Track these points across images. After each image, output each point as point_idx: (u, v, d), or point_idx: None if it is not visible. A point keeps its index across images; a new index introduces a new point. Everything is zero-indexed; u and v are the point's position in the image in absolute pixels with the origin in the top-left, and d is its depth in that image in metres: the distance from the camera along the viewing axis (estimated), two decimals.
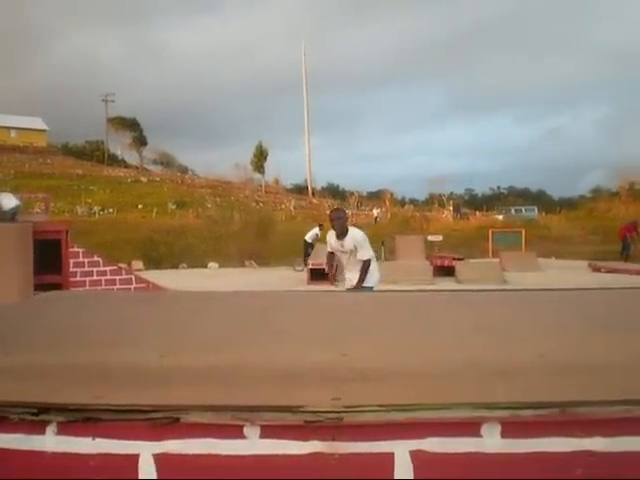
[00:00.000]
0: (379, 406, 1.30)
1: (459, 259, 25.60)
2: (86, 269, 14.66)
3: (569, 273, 24.80)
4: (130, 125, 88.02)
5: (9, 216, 18.20)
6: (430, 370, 1.50)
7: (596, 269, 27.76)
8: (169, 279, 18.50)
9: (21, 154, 73.95)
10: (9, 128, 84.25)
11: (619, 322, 2.26)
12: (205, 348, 1.80)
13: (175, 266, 33.42)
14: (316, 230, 29.94)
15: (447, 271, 23.87)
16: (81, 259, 15.82)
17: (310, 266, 22.08)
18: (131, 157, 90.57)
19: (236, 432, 1.32)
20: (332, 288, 8.35)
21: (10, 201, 18.47)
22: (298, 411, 1.30)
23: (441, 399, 1.32)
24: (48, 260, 13.38)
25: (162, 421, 1.32)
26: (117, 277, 13.52)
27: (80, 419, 1.35)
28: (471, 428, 1.30)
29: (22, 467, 1.37)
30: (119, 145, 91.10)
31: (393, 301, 2.96)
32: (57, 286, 11.15)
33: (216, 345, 1.86)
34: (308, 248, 28.29)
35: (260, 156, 72.44)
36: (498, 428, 1.31)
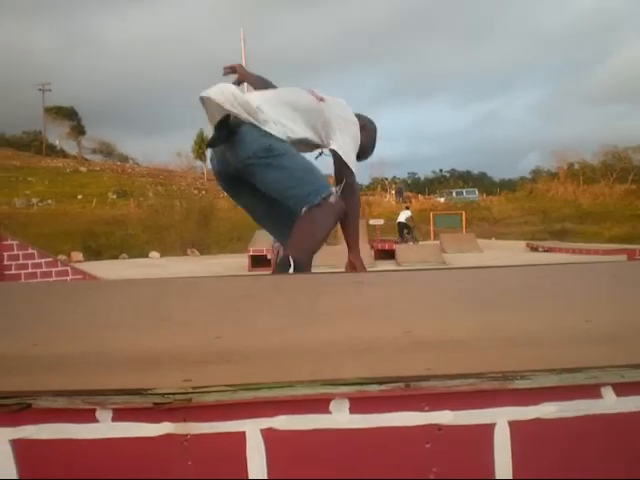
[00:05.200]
0: (227, 386, 1.32)
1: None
2: (21, 262, 14.44)
3: (508, 253, 25.22)
4: (68, 114, 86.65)
5: None
6: (278, 351, 1.53)
7: (534, 248, 28.31)
8: (108, 270, 18.33)
9: None
10: None
11: (489, 299, 2.31)
12: (68, 336, 1.81)
13: (115, 257, 33.14)
14: (407, 212, 33.33)
15: (388, 254, 24.11)
16: (15, 252, 15.58)
17: (250, 252, 22.12)
18: (70, 147, 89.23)
19: (88, 416, 1.33)
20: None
21: None
22: (148, 393, 1.31)
23: (288, 377, 1.34)
24: None
25: (14, 407, 1.32)
26: (53, 269, 13.36)
27: None
28: (320, 405, 1.33)
29: None
30: (57, 135, 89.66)
31: (288, 285, 2.99)
32: None
33: (74, 334, 1.86)
34: (403, 229, 31.72)
35: (201, 143, 71.93)
36: (346, 404, 1.33)
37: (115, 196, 56.68)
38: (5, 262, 14.06)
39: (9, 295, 2.92)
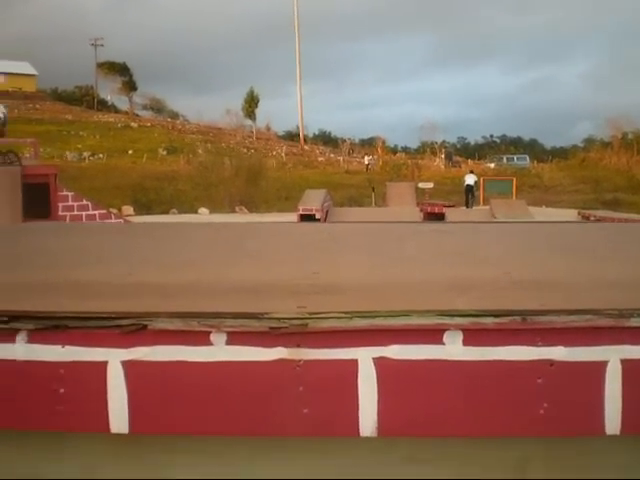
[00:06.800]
0: (342, 312, 1.32)
1: (450, 206, 25.72)
2: (75, 213, 14.65)
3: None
4: (120, 70, 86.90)
5: None
6: (394, 282, 1.52)
7: (585, 217, 27.88)
8: None
9: (10, 99, 73.25)
10: None
11: (585, 248, 2.29)
12: (173, 267, 1.82)
13: (165, 212, 33.40)
14: (474, 176, 36.69)
15: (437, 217, 23.97)
16: (70, 203, 15.82)
17: (300, 211, 22.17)
18: (121, 102, 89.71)
19: (203, 339, 1.34)
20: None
21: None
22: (264, 317, 1.32)
23: (404, 306, 1.34)
24: (37, 204, 13.37)
25: (130, 328, 1.34)
26: (106, 221, 13.53)
27: (50, 327, 1.36)
28: (433, 335, 1.33)
29: None
30: (109, 90, 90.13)
31: (366, 231, 2.99)
32: None
33: (184, 265, 1.88)
34: (469, 193, 32.73)
35: (251, 102, 71.90)
36: (460, 335, 1.33)
37: (165, 152, 57.02)
38: (60, 212, 14.28)
39: (90, 233, 2.96)
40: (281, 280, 1.57)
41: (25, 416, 1.40)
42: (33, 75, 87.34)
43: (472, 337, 1.33)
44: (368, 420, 1.34)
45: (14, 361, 1.38)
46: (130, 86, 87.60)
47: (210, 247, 2.35)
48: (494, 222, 4.26)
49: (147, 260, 2.01)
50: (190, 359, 1.35)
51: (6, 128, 18.86)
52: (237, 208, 34.38)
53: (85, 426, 1.39)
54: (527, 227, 3.39)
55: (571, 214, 30.62)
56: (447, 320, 1.32)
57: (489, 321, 1.31)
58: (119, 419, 1.37)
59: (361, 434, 1.35)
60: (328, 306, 1.34)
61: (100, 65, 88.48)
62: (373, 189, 31.37)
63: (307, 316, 1.32)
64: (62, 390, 1.37)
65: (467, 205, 32.69)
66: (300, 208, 22.37)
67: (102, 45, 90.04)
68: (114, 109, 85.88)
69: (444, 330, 1.32)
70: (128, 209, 32.08)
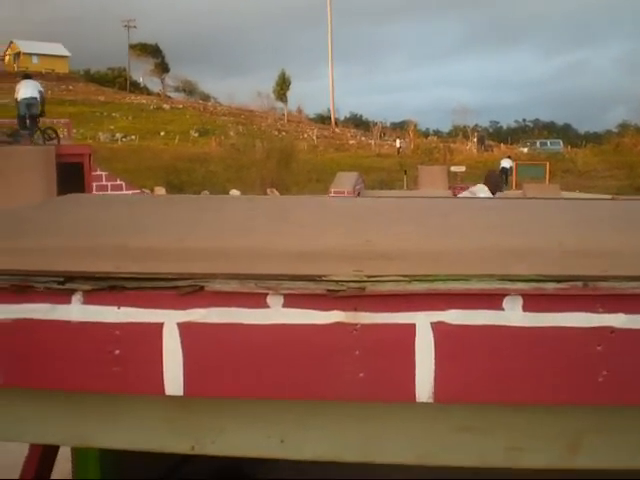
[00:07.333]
0: (402, 276, 1.30)
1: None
2: (109, 192, 14.76)
3: None
4: (152, 51, 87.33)
5: (23, 108, 18.06)
6: (451, 248, 1.51)
7: None
8: None
9: (43, 80, 73.94)
10: (31, 54, 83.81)
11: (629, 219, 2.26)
12: (225, 235, 1.82)
13: (197, 193, 33.48)
14: (510, 160, 38.20)
15: None
16: (104, 182, 15.96)
17: (332, 193, 22.15)
18: (153, 84, 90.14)
19: (259, 301, 1.33)
20: None
21: (26, 90, 18.26)
22: (321, 280, 1.31)
23: (463, 271, 1.32)
24: (71, 183, 13.49)
25: (187, 289, 1.33)
26: None
27: (106, 288, 1.36)
28: (493, 301, 1.31)
29: (47, 337, 1.39)
30: (141, 72, 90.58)
31: (412, 204, 2.97)
32: None
33: (235, 232, 1.88)
34: (504, 175, 33.80)
35: (283, 84, 71.85)
36: (520, 301, 1.31)
37: (197, 134, 57.26)
38: (94, 192, 14.39)
39: (138, 204, 2.97)
40: (335, 246, 1.56)
41: (80, 378, 1.40)
42: (66, 56, 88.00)
43: (532, 303, 1.31)
44: (425, 386, 1.33)
45: (69, 322, 1.38)
46: (162, 68, 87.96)
47: (257, 217, 2.35)
48: (537, 198, 4.21)
49: (197, 228, 2.00)
50: (246, 321, 1.34)
51: (44, 107, 18.95)
52: (268, 190, 34.41)
53: (140, 388, 1.40)
54: (574, 202, 3.35)
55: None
56: (508, 285, 1.30)
57: (550, 286, 1.29)
58: (174, 381, 1.37)
59: (417, 400, 1.33)
60: (386, 270, 1.33)
61: (132, 47, 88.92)
62: (405, 172, 31.30)
63: (365, 279, 1.30)
64: (117, 351, 1.37)
65: (503, 189, 32.71)
66: (332, 190, 22.34)
67: (135, 27, 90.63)
68: (146, 91, 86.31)
69: (504, 295, 1.30)
70: (160, 190, 32.26)
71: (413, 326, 1.32)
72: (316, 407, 1.45)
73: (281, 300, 1.33)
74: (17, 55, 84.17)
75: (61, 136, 22.10)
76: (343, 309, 1.32)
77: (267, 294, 1.33)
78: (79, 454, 2.77)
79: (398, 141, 59.66)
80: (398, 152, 56.27)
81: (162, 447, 1.56)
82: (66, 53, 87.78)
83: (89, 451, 2.73)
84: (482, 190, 8.98)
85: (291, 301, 1.33)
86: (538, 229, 1.98)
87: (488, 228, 2.00)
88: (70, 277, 1.37)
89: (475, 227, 2.00)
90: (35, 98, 18.22)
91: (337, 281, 1.30)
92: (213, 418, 1.50)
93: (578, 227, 2.04)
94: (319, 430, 1.48)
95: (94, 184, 15.49)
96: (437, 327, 1.31)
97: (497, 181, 10.00)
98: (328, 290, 1.30)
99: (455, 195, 24.34)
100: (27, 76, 20.01)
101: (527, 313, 1.31)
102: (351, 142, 65.26)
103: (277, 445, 1.50)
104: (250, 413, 1.49)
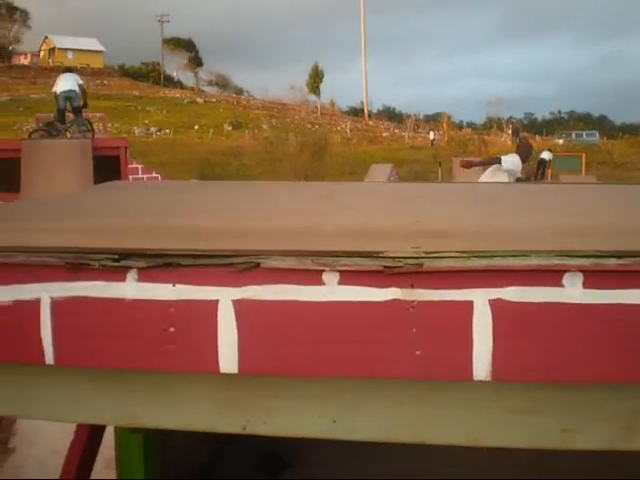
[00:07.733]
0: (460, 252, 1.28)
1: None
2: None
3: None
4: (186, 46, 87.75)
5: (62, 101, 18.14)
6: (506, 227, 1.49)
7: None
8: None
9: (78, 75, 74.44)
10: (66, 50, 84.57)
11: None
12: (278, 216, 1.82)
13: None
14: (550, 153, 37.80)
15: None
16: (140, 175, 16.06)
17: None
18: (187, 78, 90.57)
19: (315, 278, 1.32)
20: None
21: (65, 83, 18.30)
22: (378, 257, 1.29)
23: (521, 247, 1.30)
24: (108, 176, 13.58)
25: (242, 266, 1.33)
26: None
27: (161, 265, 1.36)
28: (552, 277, 1.28)
29: (102, 314, 1.39)
30: (175, 66, 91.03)
31: (456, 189, 2.94)
32: None
33: (288, 213, 1.87)
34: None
35: (316, 77, 71.74)
36: (580, 278, 1.28)
37: (230, 127, 57.43)
38: None
39: (187, 188, 2.99)
40: (388, 225, 1.55)
41: (135, 355, 1.40)
42: (100, 51, 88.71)
43: (593, 279, 1.28)
44: (482, 364, 1.31)
45: (124, 300, 1.39)
46: (196, 62, 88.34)
47: (306, 200, 2.35)
48: (579, 183, 4.14)
49: (249, 210, 2.01)
50: (301, 298, 1.33)
51: (86, 99, 19.07)
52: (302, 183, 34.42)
53: (194, 366, 1.39)
54: (620, 187, 3.30)
55: None
56: (567, 261, 1.27)
57: (611, 262, 1.27)
58: (229, 359, 1.36)
59: (474, 378, 1.31)
60: (442, 247, 1.31)
61: (166, 41, 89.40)
62: (440, 164, 31.08)
63: (423, 255, 1.29)
64: (172, 329, 1.37)
65: (535, 179, 32.35)
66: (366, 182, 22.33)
67: (168, 21, 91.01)
68: (180, 85, 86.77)
69: (564, 272, 1.28)
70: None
71: (471, 303, 1.30)
72: (369, 386, 1.44)
73: (337, 277, 1.32)
74: (52, 50, 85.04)
75: (96, 130, 22.24)
76: (400, 286, 1.30)
77: (323, 271, 1.32)
78: (122, 440, 2.79)
79: (432, 133, 59.28)
80: (432, 144, 55.95)
81: (213, 427, 1.56)
82: (101, 48, 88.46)
83: (132, 438, 2.74)
84: (513, 157, 9.07)
85: (347, 278, 1.32)
86: (590, 210, 1.95)
87: (540, 209, 1.97)
88: (125, 254, 1.38)
89: (527, 208, 1.98)
90: (74, 91, 18.33)
91: (394, 257, 1.29)
92: (265, 398, 1.50)
93: (632, 207, 2.01)
94: (371, 410, 1.47)
95: (130, 177, 15.60)
96: (495, 304, 1.29)
97: (527, 151, 10.14)
98: (385, 267, 1.29)
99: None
100: (68, 69, 20.17)
101: (587, 290, 1.28)
102: (384, 134, 65.02)
103: (329, 426, 1.49)
104: (302, 393, 1.48)
